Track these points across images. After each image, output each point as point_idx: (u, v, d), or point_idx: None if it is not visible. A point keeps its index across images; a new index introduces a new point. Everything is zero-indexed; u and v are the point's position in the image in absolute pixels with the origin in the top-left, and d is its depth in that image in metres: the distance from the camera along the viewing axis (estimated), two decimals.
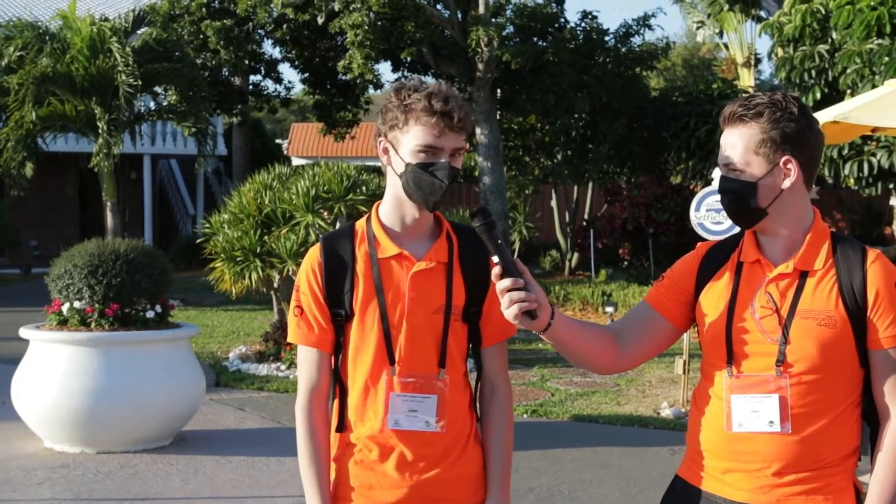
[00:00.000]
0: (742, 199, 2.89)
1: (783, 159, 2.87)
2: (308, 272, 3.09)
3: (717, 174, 10.89)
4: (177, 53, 21.68)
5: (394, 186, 3.04)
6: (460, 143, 2.99)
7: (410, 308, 3.01)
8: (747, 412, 2.86)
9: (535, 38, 22.82)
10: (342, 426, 3.08)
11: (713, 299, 2.97)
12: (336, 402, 3.11)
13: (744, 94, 2.99)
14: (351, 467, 3.06)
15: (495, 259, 2.76)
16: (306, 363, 3.10)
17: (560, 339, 2.91)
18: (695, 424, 3.01)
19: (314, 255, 3.10)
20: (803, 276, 2.90)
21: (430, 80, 23.60)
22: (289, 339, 3.17)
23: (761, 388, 2.86)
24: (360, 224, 3.12)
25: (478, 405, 3.19)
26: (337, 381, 3.10)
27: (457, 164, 3.00)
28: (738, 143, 2.89)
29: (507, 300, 2.72)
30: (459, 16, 22.96)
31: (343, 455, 3.08)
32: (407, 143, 2.96)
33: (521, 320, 2.76)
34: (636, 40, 24.00)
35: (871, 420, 2.95)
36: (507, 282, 2.73)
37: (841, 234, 3.02)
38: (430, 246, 3.07)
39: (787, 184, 2.88)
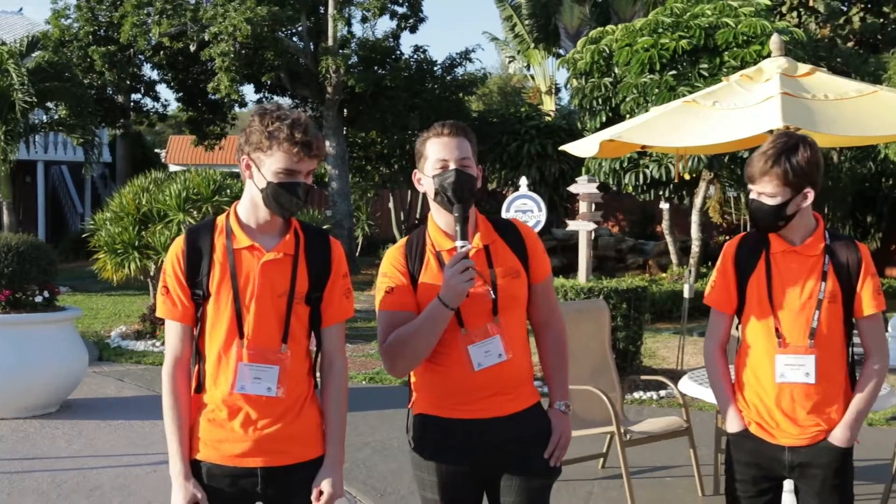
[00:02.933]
0: (475, 188, 3.18)
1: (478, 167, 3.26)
2: (172, 258, 3.07)
3: (524, 182, 11.05)
4: (66, 74, 21.11)
5: (253, 194, 3.04)
6: (313, 166, 3.02)
7: (259, 292, 3.01)
8: (482, 354, 3.17)
9: (376, 67, 22.80)
10: (200, 388, 3.07)
11: (430, 286, 3.17)
12: (196, 368, 3.10)
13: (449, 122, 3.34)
14: (205, 424, 3.06)
15: (466, 242, 3.06)
16: (171, 335, 3.09)
17: (445, 324, 3.11)
18: (439, 377, 3.22)
19: (178, 243, 3.09)
20: (487, 247, 3.23)
21: (286, 101, 23.47)
22: (156, 314, 3.17)
23: (487, 334, 3.18)
24: (221, 219, 3.11)
25: (318, 374, 3.19)
26: (196, 350, 3.08)
27: (309, 180, 3.04)
28: (468, 148, 3.18)
29: (468, 273, 3.01)
30: (312, 47, 22.81)
31: (199, 413, 3.07)
32: (270, 164, 2.96)
33: (465, 288, 3.02)
34: (459, 70, 24.23)
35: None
36: (472, 262, 3.04)
37: (492, 216, 3.40)
38: (279, 240, 3.07)
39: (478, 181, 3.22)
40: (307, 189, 3.01)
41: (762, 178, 3.37)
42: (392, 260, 3.26)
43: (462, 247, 3.05)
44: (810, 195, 3.41)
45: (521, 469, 3.22)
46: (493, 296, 3.17)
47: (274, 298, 3.01)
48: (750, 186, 3.43)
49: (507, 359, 3.17)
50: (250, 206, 3.06)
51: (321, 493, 3.06)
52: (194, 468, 3.06)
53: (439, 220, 3.24)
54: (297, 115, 2.98)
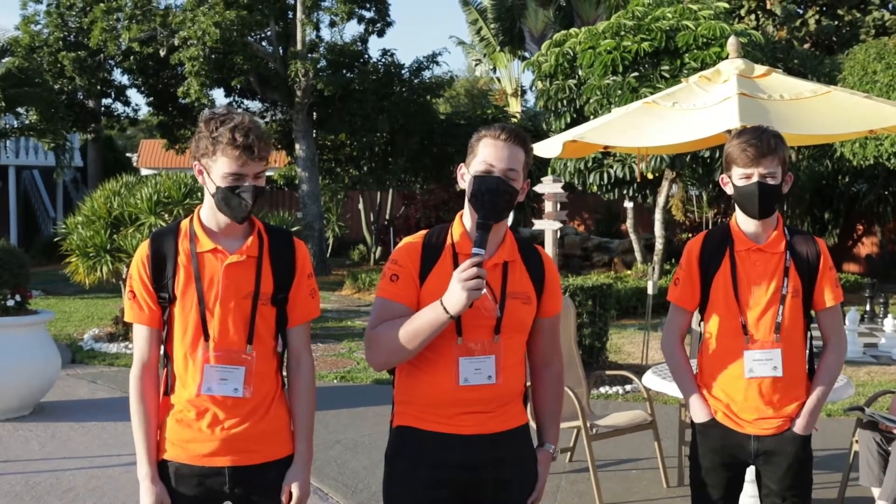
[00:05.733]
0: (512, 202, 2.95)
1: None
2: (138, 263, 3.06)
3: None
4: (37, 80, 20.93)
5: (209, 198, 3.03)
6: (261, 168, 2.97)
7: (223, 294, 2.99)
8: (472, 371, 2.96)
9: (344, 71, 22.76)
10: (168, 390, 3.07)
11: (437, 284, 2.93)
12: (165, 370, 3.09)
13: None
14: (173, 424, 3.05)
15: (481, 251, 2.81)
16: (138, 338, 3.08)
17: (440, 329, 2.88)
18: (422, 384, 3.00)
19: (144, 248, 3.07)
20: (506, 265, 3.03)
21: (255, 104, 23.24)
22: (125, 319, 3.16)
23: (483, 351, 2.97)
24: (185, 223, 3.09)
25: (285, 373, 3.17)
26: (165, 352, 3.08)
27: (260, 182, 2.98)
28: (519, 160, 2.95)
29: (477, 282, 2.76)
30: (281, 51, 22.74)
31: (167, 414, 3.06)
32: (216, 169, 2.94)
33: (470, 298, 2.78)
34: (427, 74, 24.25)
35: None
36: (484, 272, 2.79)
37: (520, 236, 3.18)
38: (243, 242, 3.05)
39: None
40: (257, 191, 2.96)
41: (766, 159, 3.39)
42: (407, 249, 3.05)
43: (476, 254, 2.83)
44: (790, 180, 3.52)
45: (495, 496, 3.04)
46: (499, 313, 2.98)
47: (238, 300, 3.00)
48: (746, 170, 3.42)
49: (495, 383, 2.98)
50: (210, 211, 3.05)
51: (290, 493, 3.06)
52: (162, 468, 3.06)
53: (468, 221, 3.04)
54: (241, 119, 2.94)
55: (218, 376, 2.99)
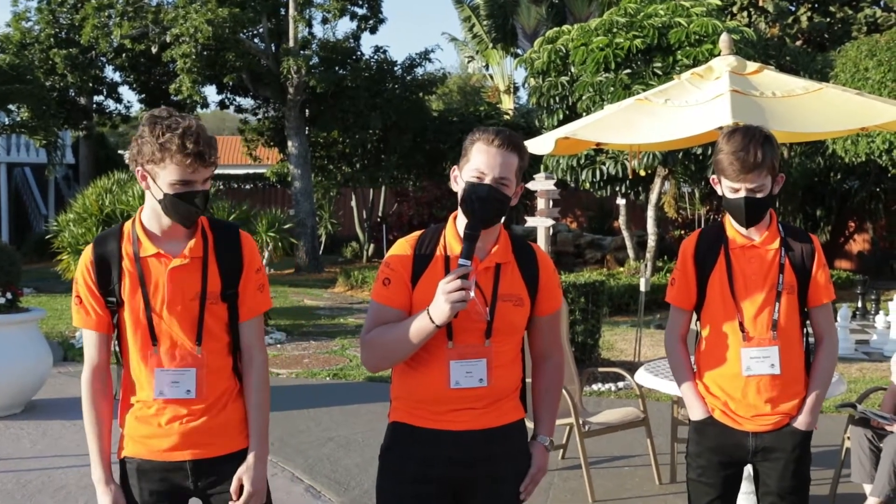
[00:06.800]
0: (504, 210, 2.97)
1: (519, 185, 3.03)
2: (82, 269, 3.03)
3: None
4: (28, 76, 20.87)
5: (153, 203, 2.98)
6: (210, 174, 2.94)
7: (170, 298, 2.98)
8: (463, 374, 2.98)
9: (337, 68, 22.74)
10: (126, 392, 3.07)
11: (429, 289, 2.94)
12: (119, 372, 3.08)
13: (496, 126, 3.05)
14: (132, 422, 3.06)
15: (467, 262, 2.84)
16: (87, 343, 3.07)
17: (429, 336, 2.90)
18: (414, 382, 3.03)
19: (87, 254, 3.04)
20: (498, 267, 3.03)
21: (248, 101, 23.02)
22: (73, 324, 3.14)
23: (474, 354, 2.99)
24: (128, 225, 3.05)
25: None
26: (120, 356, 3.08)
27: (207, 186, 2.96)
28: (511, 166, 2.94)
29: (461, 294, 2.79)
30: (273, 48, 22.72)
31: (127, 413, 3.07)
32: (164, 176, 2.89)
33: (454, 310, 2.81)
34: (419, 71, 24.25)
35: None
36: (470, 283, 2.82)
37: (515, 234, 3.17)
38: (186, 244, 3.01)
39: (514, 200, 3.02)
40: (206, 196, 2.94)
41: (752, 174, 3.35)
42: (399, 251, 3.06)
43: (462, 265, 2.84)
44: (781, 181, 3.50)
45: (488, 491, 3.05)
46: (489, 318, 2.99)
47: (185, 302, 2.98)
48: (733, 184, 3.39)
49: (486, 385, 2.99)
50: (153, 215, 3.01)
51: (241, 487, 3.05)
52: (125, 465, 3.07)
53: (460, 225, 3.03)
54: (189, 123, 2.87)
55: (169, 380, 2.99)
